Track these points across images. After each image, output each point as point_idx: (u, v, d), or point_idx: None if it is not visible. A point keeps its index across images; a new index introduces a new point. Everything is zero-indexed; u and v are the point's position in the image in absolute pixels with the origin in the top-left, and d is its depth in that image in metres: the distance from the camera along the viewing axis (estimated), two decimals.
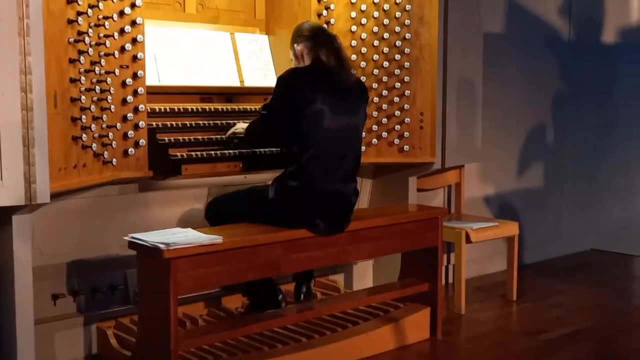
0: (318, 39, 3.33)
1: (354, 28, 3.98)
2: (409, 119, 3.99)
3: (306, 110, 3.17)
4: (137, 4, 3.18)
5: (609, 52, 5.88)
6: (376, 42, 3.98)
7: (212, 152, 3.40)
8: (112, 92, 3.12)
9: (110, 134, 3.12)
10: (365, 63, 3.99)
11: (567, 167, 5.74)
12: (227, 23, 3.98)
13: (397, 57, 3.97)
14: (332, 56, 3.28)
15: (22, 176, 2.62)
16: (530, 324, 4.08)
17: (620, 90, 5.89)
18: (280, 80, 3.27)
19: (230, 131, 3.52)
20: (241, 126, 3.50)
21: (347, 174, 3.31)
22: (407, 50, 3.96)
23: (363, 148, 3.95)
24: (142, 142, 3.22)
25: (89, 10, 2.97)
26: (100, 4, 3.03)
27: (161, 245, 2.78)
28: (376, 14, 3.97)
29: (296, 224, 3.20)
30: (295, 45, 3.37)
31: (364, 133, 3.94)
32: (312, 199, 3.20)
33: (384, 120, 4.02)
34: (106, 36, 3.07)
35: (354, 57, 3.97)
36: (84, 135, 2.94)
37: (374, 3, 3.97)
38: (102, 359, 3.32)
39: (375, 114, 4.02)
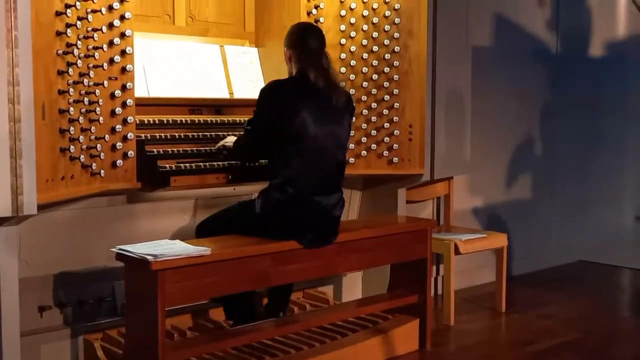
0: (306, 52, 3.29)
1: (343, 41, 4.00)
2: (398, 131, 4.01)
3: (289, 123, 3.17)
4: (126, 16, 3.18)
5: (596, 65, 5.94)
6: (365, 55, 4.01)
7: (201, 164, 3.40)
8: (100, 103, 3.11)
9: (99, 145, 3.11)
10: (354, 76, 4.01)
11: (555, 179, 5.77)
12: (217, 35, 3.99)
13: (386, 69, 3.99)
14: (320, 77, 3.25)
15: (9, 187, 2.61)
16: (519, 335, 4.08)
17: (607, 103, 5.95)
18: (263, 93, 3.27)
19: (220, 144, 3.52)
20: (231, 139, 3.50)
21: (331, 186, 3.31)
22: (396, 63, 3.99)
23: (352, 160, 3.98)
24: (131, 153, 3.22)
25: (78, 22, 2.98)
26: (90, 16, 3.04)
27: (149, 257, 2.77)
28: (365, 27, 3.99)
29: (283, 237, 3.19)
30: (285, 48, 3.37)
31: (352, 145, 3.97)
32: (297, 212, 3.20)
33: (373, 132, 4.03)
34: (95, 48, 3.07)
35: (343, 69, 3.99)
36: (72, 146, 2.94)
37: (363, 16, 4.00)
38: None
39: (364, 126, 4.03)
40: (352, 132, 3.94)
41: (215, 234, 3.27)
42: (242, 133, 3.48)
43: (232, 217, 3.36)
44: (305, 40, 3.32)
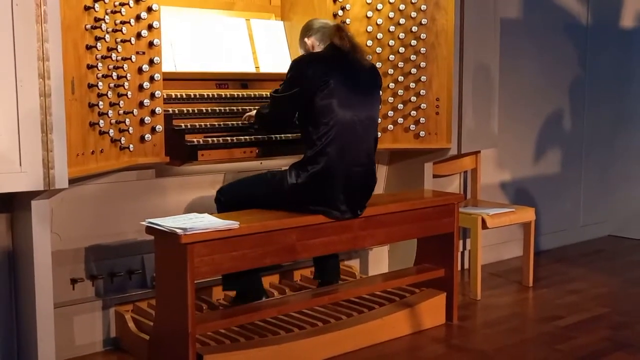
0: (328, 30, 3.37)
1: (369, 13, 3.97)
2: (425, 105, 3.98)
3: (321, 95, 3.18)
4: None
5: (628, 37, 5.82)
6: (392, 28, 3.97)
7: (228, 138, 3.41)
8: (128, 78, 3.14)
9: (127, 120, 3.14)
10: (381, 49, 3.98)
11: (585, 153, 5.70)
12: (243, 9, 3.98)
13: (413, 42, 3.95)
14: (346, 39, 3.31)
15: (40, 162, 2.64)
16: (546, 310, 4.07)
17: (638, 75, 5.83)
18: (295, 64, 3.27)
19: (248, 114, 3.54)
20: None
21: (365, 157, 3.31)
22: (423, 36, 3.94)
23: (379, 134, 3.95)
24: (159, 128, 3.24)
25: None
26: None
27: (178, 230, 2.80)
28: None
29: (315, 207, 3.21)
30: (306, 39, 3.41)
31: (379, 119, 3.95)
32: (332, 183, 3.21)
33: (400, 106, 4.01)
34: (122, 22, 3.08)
35: (369, 42, 3.96)
36: (101, 121, 2.97)
37: None
38: (121, 342, 3.36)
39: (391, 99, 4.01)
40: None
41: (236, 203, 3.29)
42: (263, 104, 3.47)
43: (257, 188, 3.35)
44: (322, 26, 3.40)
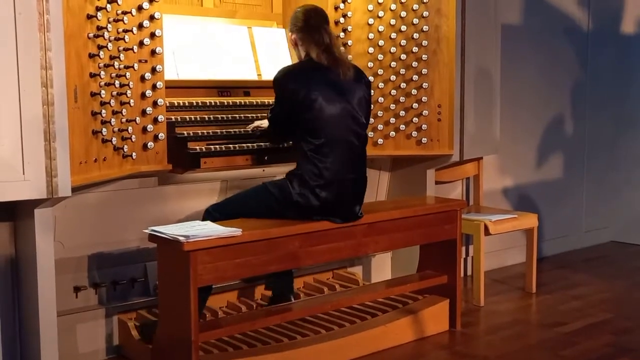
0: (309, 32, 3.29)
1: (371, 21, 3.98)
2: (426, 112, 3.98)
3: (304, 110, 3.18)
4: None
5: (629, 43, 5.83)
6: (393, 35, 3.97)
7: (231, 146, 3.41)
8: (131, 86, 3.14)
9: (130, 128, 3.14)
10: (382, 56, 3.99)
11: (587, 159, 5.70)
12: (245, 17, 3.99)
13: (415, 49, 3.96)
14: (322, 54, 3.26)
15: (43, 170, 2.65)
16: (550, 316, 4.06)
17: (638, 80, 5.84)
18: (275, 83, 3.27)
19: (255, 124, 3.54)
20: (265, 123, 3.49)
21: (356, 161, 3.31)
22: (424, 43, 3.95)
23: (381, 141, 3.98)
24: (162, 135, 3.25)
25: (108, 6, 3.00)
26: None
27: (181, 238, 2.80)
28: (393, 6, 3.96)
29: (316, 218, 3.22)
30: (290, 33, 3.38)
31: (381, 126, 3.97)
32: (331, 194, 3.20)
33: (402, 112, 4.01)
34: (125, 31, 3.09)
35: (371, 49, 3.97)
36: (104, 129, 2.97)
37: None
38: (124, 350, 3.36)
39: (392, 106, 4.01)
40: (380, 113, 3.95)
41: (232, 217, 3.23)
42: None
43: (256, 203, 3.29)
44: (307, 21, 3.32)
